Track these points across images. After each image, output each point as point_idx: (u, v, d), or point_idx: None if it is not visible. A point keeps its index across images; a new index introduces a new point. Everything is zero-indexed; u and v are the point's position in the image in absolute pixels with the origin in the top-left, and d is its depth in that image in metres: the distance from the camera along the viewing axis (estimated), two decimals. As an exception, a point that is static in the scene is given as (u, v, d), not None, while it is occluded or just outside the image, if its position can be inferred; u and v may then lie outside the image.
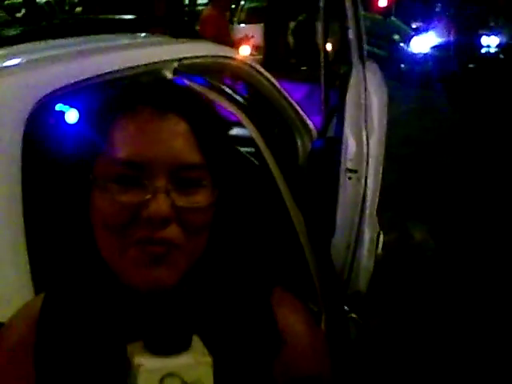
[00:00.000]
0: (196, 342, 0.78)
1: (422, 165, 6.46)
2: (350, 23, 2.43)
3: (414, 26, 12.88)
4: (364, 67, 2.44)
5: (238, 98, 1.82)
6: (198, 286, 0.90)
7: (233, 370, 0.86)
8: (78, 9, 16.56)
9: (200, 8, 15.83)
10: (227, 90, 1.82)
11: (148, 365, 0.74)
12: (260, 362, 0.89)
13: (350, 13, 2.41)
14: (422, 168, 6.37)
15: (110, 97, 0.89)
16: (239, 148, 2.77)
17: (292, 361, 0.91)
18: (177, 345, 0.76)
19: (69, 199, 0.90)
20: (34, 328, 0.90)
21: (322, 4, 3.10)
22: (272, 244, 2.25)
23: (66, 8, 18.24)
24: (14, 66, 1.77)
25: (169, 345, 0.75)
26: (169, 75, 2.06)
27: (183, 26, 2.72)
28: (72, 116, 1.68)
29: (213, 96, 1.75)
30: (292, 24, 12.25)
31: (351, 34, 2.46)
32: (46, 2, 16.70)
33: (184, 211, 0.81)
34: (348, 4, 2.43)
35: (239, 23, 12.84)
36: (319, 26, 3.22)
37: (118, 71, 1.88)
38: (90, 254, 0.87)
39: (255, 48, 10.90)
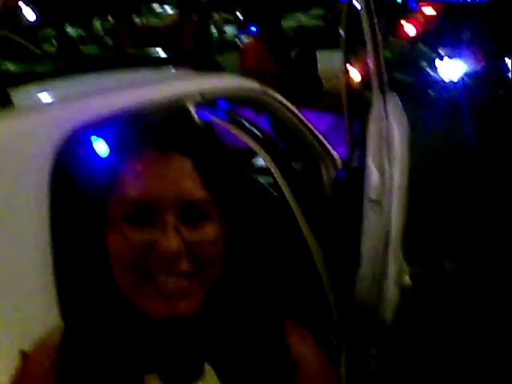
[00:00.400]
0: (208, 371, 0.80)
1: (448, 195, 6.41)
2: (370, 54, 2.45)
3: (441, 52, 12.84)
4: (385, 98, 2.45)
5: (255, 131, 1.84)
6: (213, 316, 0.93)
7: None
8: (109, 41, 16.94)
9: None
10: (246, 123, 1.85)
11: None
12: None
13: (369, 44, 2.43)
14: (446, 198, 6.32)
15: (120, 141, 0.93)
16: (260, 178, 2.80)
17: None
18: (190, 375, 0.79)
19: (88, 236, 0.93)
20: (56, 358, 0.93)
21: (342, 35, 3.14)
22: (290, 276, 2.25)
23: (98, 40, 18.63)
24: (44, 101, 1.83)
25: (182, 375, 0.78)
26: (191, 108, 2.09)
27: (207, 60, 2.77)
28: (101, 147, 1.73)
29: (232, 129, 1.78)
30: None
31: (371, 66, 2.48)
32: (78, 36, 17.09)
33: (193, 245, 0.85)
34: (367, 36, 2.45)
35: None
36: (340, 56, 3.25)
37: (142, 105, 1.92)
38: (109, 288, 0.90)
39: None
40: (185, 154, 0.88)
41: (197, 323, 0.90)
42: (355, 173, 2.70)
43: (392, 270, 2.49)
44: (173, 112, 1.97)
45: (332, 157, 3.17)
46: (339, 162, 3.18)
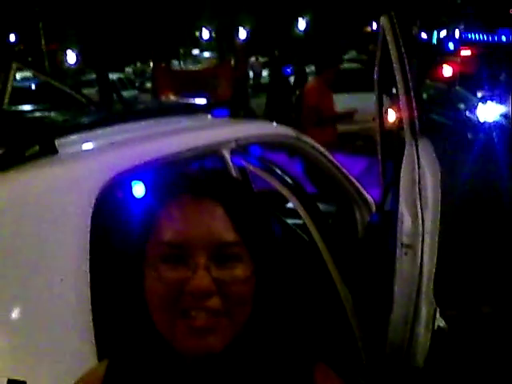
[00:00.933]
0: None
1: (483, 240, 6.34)
2: (401, 97, 2.50)
3: (479, 94, 12.83)
4: (416, 142, 2.49)
5: (286, 177, 1.91)
6: (243, 353, 0.97)
7: None
8: (148, 85, 17.34)
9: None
10: (277, 169, 1.91)
11: None
12: None
13: (400, 87, 2.47)
14: (482, 243, 6.25)
15: (157, 187, 1.02)
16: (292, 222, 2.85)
17: None
18: None
19: (126, 275, 1.00)
20: None
21: (376, 77, 3.21)
22: (319, 319, 2.28)
23: (136, 84, 19.07)
24: (87, 149, 1.93)
25: None
26: (227, 155, 2.17)
27: (242, 106, 2.86)
28: (139, 193, 1.81)
29: (264, 175, 1.84)
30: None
31: (402, 109, 2.52)
32: (118, 79, 17.51)
33: (224, 284, 0.92)
34: (398, 78, 2.49)
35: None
36: (374, 97, 3.31)
37: (180, 153, 2.01)
38: (147, 327, 0.97)
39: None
40: (217, 200, 0.95)
41: (228, 358, 0.94)
42: (388, 216, 2.73)
43: (424, 314, 2.49)
44: (208, 158, 2.06)
45: (366, 200, 3.21)
46: (373, 205, 3.21)
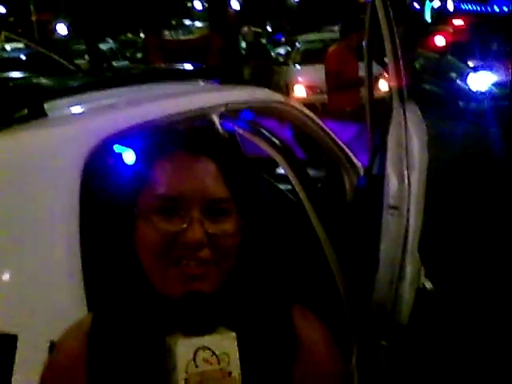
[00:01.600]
0: (221, 327, 0.94)
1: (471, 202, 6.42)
2: (389, 65, 2.53)
3: (470, 64, 12.82)
4: (404, 107, 2.52)
5: (277, 141, 1.94)
6: (226, 298, 1.03)
7: (254, 368, 0.99)
8: (139, 55, 17.20)
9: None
10: (267, 133, 1.95)
11: (183, 341, 0.91)
12: (279, 363, 1.01)
13: (388, 54, 2.51)
14: (470, 205, 6.33)
15: (151, 143, 1.06)
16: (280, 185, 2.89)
17: (309, 366, 1.03)
18: (206, 327, 0.93)
19: (117, 229, 1.06)
20: (86, 343, 1.04)
21: (365, 45, 3.23)
22: (301, 271, 2.34)
23: (128, 54, 18.91)
24: (77, 113, 1.96)
25: (199, 327, 0.92)
26: (216, 120, 2.20)
27: (233, 73, 2.88)
28: (128, 157, 1.84)
29: (254, 139, 1.88)
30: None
31: (391, 76, 2.56)
32: (109, 49, 17.37)
33: (214, 237, 0.98)
34: (388, 46, 2.52)
35: (294, 64, 13.04)
36: (364, 66, 3.34)
37: (169, 117, 2.04)
38: (137, 276, 1.02)
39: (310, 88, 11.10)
40: (211, 158, 1.01)
41: (214, 299, 1.00)
42: (375, 180, 2.78)
43: (409, 273, 2.55)
44: (198, 122, 2.09)
45: (354, 165, 3.25)
46: (361, 170, 3.26)
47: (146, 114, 1.97)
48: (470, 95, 12.24)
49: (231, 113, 2.27)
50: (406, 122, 2.53)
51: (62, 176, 1.63)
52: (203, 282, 0.98)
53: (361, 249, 2.55)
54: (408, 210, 2.51)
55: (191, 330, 0.93)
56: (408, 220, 2.51)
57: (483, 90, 12.13)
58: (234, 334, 0.93)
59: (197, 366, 0.90)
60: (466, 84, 12.44)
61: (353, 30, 6.53)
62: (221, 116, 2.21)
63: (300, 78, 11.87)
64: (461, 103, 12.33)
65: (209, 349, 0.90)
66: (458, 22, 16.99)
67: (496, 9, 20.37)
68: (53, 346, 1.14)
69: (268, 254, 1.18)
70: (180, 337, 0.92)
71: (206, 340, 0.91)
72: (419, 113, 2.67)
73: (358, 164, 3.25)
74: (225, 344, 0.92)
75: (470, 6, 21.13)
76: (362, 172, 3.22)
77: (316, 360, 1.04)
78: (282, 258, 2.09)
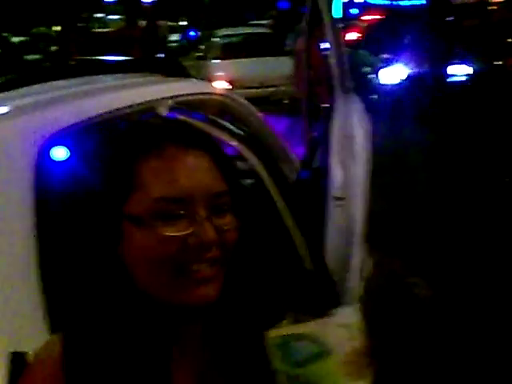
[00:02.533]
0: None
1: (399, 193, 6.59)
2: (332, 55, 2.56)
3: (383, 57, 13.15)
4: (347, 99, 2.56)
5: (237, 131, 1.92)
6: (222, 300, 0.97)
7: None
8: (54, 48, 16.69)
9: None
10: (226, 124, 1.92)
11: None
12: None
13: (332, 46, 2.54)
14: (398, 196, 6.49)
15: (129, 136, 0.95)
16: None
17: None
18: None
19: (95, 239, 0.95)
20: (60, 365, 0.91)
21: (304, 37, 3.26)
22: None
23: (41, 46, 18.33)
24: (21, 107, 1.87)
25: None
26: (164, 112, 2.15)
27: (175, 66, 2.83)
28: (62, 154, 1.77)
29: (213, 131, 1.85)
30: None
31: (333, 68, 2.59)
32: (19, 42, 16.81)
33: (222, 233, 0.91)
34: (330, 37, 2.55)
35: (213, 59, 13.00)
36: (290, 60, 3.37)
37: (117, 110, 1.98)
38: (120, 284, 0.92)
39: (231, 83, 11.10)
40: (204, 150, 0.93)
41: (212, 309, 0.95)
42: (318, 172, 2.80)
43: (356, 264, 2.59)
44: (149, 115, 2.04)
45: (291, 158, 3.26)
46: (297, 164, 3.28)
47: (95, 107, 1.90)
48: (383, 88, 12.54)
49: (179, 105, 2.23)
50: (349, 113, 2.57)
51: (11, 172, 1.56)
52: (213, 284, 0.91)
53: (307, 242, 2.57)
54: (353, 201, 2.54)
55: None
56: (354, 211, 2.55)
57: (394, 83, 12.45)
58: None
59: None
60: (378, 77, 12.75)
61: (285, 26, 6.62)
62: (170, 109, 2.17)
63: (220, 73, 11.84)
64: (373, 97, 12.62)
65: None
66: (369, 16, 17.41)
67: (405, 3, 21.02)
68: (16, 359, 1.07)
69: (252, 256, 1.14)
70: None
71: None
72: (361, 104, 2.72)
73: (295, 158, 3.26)
74: None
75: (380, 1, 21.72)
76: (298, 165, 3.24)
77: None
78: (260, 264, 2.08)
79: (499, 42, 12.75)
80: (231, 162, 0.99)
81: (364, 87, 12.85)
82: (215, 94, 2.66)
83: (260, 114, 2.91)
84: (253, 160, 1.92)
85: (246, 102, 2.84)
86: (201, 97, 2.44)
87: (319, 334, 0.73)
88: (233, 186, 0.96)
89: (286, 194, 2.01)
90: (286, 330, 0.80)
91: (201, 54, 14.39)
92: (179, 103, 2.25)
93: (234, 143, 1.92)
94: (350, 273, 2.60)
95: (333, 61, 2.56)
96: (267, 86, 11.70)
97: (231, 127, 1.93)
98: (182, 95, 2.30)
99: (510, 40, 12.97)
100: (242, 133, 1.96)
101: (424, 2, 19.43)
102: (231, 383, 0.95)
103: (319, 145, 2.86)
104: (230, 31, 14.62)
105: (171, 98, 2.25)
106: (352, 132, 2.53)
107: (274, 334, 0.83)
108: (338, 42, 2.54)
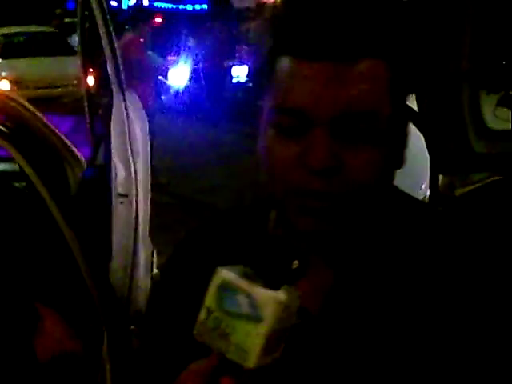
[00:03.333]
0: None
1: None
2: (108, 56, 2.58)
3: (169, 59, 13.30)
4: (124, 96, 2.60)
5: (8, 132, 1.87)
6: None
7: None
8: None
9: None
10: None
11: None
12: None
13: (106, 48, 2.56)
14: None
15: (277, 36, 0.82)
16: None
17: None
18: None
19: None
20: None
21: (78, 38, 3.23)
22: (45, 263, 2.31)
23: None
24: None
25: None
26: None
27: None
28: None
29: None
30: None
31: (109, 67, 2.61)
32: None
33: (346, 168, 0.76)
34: (104, 40, 2.58)
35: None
36: (78, 60, 3.34)
37: None
38: None
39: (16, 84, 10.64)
40: (379, 58, 0.76)
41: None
42: (102, 170, 2.80)
43: (143, 258, 2.65)
44: None
45: (77, 158, 3.22)
46: (84, 163, 3.24)
47: None
48: (170, 90, 12.73)
49: None
50: (126, 109, 2.61)
51: None
52: (327, 223, 0.78)
53: (94, 240, 2.57)
54: (136, 197, 2.59)
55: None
56: (137, 207, 2.59)
57: (182, 85, 12.72)
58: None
59: None
60: (167, 79, 12.91)
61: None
62: None
63: (3, 73, 11.27)
64: (164, 99, 12.76)
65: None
66: (155, 19, 17.49)
67: (188, 7, 21.44)
68: None
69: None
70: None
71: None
72: (138, 100, 2.76)
73: (81, 157, 3.22)
74: None
75: (164, 5, 21.93)
76: (85, 165, 3.20)
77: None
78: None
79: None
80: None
81: (155, 88, 12.96)
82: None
83: (40, 115, 2.84)
84: (22, 162, 1.88)
85: (23, 101, 2.76)
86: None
87: (261, 301, 0.72)
88: (400, 114, 0.80)
89: (60, 199, 2.00)
90: (236, 278, 0.76)
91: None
92: None
93: (4, 145, 1.87)
94: (138, 268, 2.65)
95: (108, 59, 2.58)
96: (57, 86, 11.38)
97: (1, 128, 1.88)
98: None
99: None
100: (12, 134, 1.91)
101: (205, 7, 20.02)
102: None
103: (101, 142, 2.87)
104: (12, 30, 13.91)
105: None
106: (131, 129, 2.57)
107: (224, 273, 0.75)
108: (112, 43, 2.58)
